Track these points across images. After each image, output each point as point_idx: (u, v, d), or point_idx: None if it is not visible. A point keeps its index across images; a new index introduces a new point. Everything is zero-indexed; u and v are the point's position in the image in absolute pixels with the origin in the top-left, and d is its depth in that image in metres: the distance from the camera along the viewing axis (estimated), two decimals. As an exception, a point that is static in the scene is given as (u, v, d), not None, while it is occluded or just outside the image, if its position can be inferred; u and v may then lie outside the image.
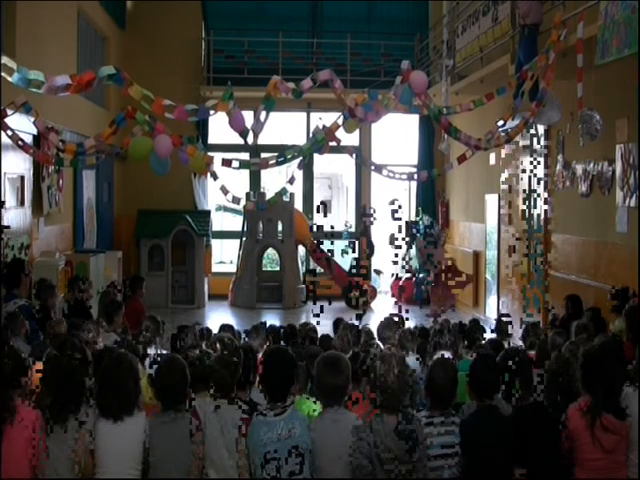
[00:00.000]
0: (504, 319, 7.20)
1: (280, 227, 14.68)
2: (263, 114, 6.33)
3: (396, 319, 6.97)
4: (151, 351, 5.79)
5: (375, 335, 6.60)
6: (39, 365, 4.53)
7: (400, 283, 15.36)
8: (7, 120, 6.38)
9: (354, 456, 3.67)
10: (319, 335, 7.02)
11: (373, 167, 8.81)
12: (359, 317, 10.56)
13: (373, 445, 3.63)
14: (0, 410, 3.79)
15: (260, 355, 5.74)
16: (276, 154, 6.92)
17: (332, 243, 8.18)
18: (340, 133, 6.71)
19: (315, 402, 4.56)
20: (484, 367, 4.21)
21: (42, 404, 4.03)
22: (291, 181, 7.80)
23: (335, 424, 3.83)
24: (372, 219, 10.92)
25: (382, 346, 5.78)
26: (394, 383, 3.69)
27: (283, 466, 3.71)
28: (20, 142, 6.85)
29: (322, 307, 8.34)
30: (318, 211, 10.16)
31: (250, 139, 6.48)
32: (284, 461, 3.71)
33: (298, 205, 15.50)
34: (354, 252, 14.98)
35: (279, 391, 3.91)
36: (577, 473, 4.00)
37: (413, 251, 16.24)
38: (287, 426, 3.78)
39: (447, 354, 5.02)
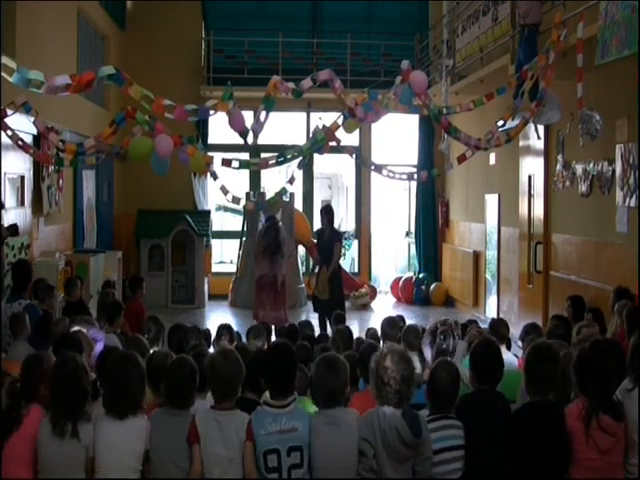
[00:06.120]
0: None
1: (280, 227, 14.65)
2: (263, 114, 6.32)
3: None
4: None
5: (379, 333, 6.58)
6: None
7: (400, 283, 15.39)
8: (7, 120, 6.36)
9: (361, 445, 3.69)
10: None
11: (373, 167, 8.80)
12: None
13: (379, 429, 3.64)
14: (9, 418, 3.81)
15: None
16: (276, 154, 6.90)
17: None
18: (340, 133, 6.69)
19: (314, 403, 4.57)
20: (484, 352, 4.27)
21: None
22: (291, 181, 7.79)
23: (333, 424, 3.82)
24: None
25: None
26: (403, 379, 3.69)
27: (284, 458, 3.73)
28: (20, 142, 6.83)
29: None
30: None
31: (250, 139, 6.47)
32: (285, 454, 3.73)
33: (298, 205, 15.48)
34: None
35: (282, 385, 3.92)
36: (573, 473, 4.00)
37: (414, 250, 16.27)
38: (290, 420, 3.79)
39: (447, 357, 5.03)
